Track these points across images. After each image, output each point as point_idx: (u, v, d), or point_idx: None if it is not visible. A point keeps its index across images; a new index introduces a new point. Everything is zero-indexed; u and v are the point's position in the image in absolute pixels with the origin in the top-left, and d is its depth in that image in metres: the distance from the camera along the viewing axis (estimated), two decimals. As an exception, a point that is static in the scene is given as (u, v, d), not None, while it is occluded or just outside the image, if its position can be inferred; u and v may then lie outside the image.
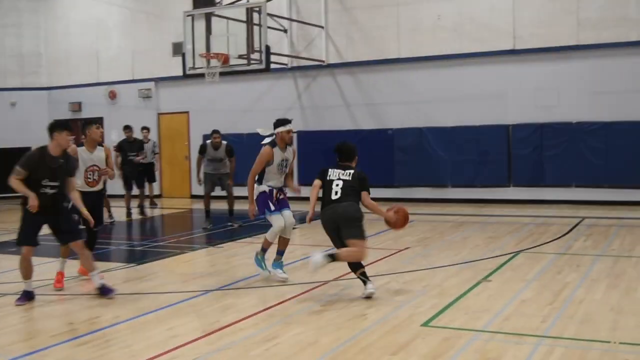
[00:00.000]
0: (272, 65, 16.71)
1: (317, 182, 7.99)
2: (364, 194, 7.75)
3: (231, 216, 13.99)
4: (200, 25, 16.57)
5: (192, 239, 13.05)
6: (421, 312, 6.93)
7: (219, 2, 19.50)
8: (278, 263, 8.83)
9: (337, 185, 7.76)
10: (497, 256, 9.87)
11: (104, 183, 9.49)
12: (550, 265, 9.09)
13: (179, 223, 16.33)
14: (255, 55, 16.35)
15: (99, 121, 21.50)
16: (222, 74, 16.27)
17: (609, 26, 15.53)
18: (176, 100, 20.93)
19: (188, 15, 16.68)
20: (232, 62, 16.25)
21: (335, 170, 7.93)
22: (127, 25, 21.64)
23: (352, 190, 7.72)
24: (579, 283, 8.00)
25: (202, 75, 16.36)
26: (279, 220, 8.58)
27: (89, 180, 8.97)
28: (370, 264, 9.46)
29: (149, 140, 18.49)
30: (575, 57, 15.94)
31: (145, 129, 18.54)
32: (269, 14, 16.49)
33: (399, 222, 8.00)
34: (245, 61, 16.41)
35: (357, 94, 18.29)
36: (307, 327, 6.56)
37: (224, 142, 13.98)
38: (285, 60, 18.68)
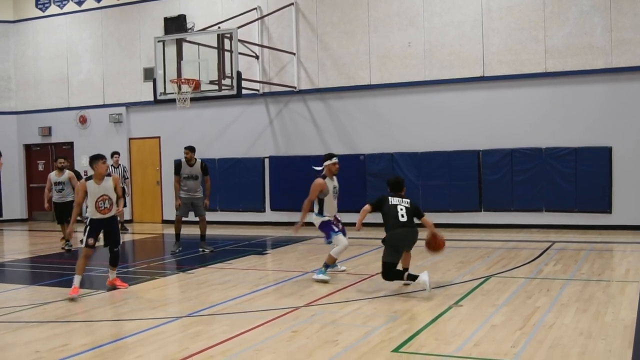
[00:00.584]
0: (244, 91, 16.71)
1: (368, 207, 9.50)
2: (424, 218, 9.44)
3: (203, 241, 13.90)
4: (172, 50, 16.53)
5: (163, 264, 12.92)
6: (392, 338, 6.91)
7: (190, 28, 19.54)
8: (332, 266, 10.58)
9: (401, 209, 9.28)
10: (467, 281, 9.89)
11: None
12: (521, 290, 9.13)
13: (150, 248, 16.18)
14: (227, 81, 16.34)
15: (69, 145, 21.68)
16: (193, 99, 16.24)
17: (575, 54, 15.79)
18: (147, 125, 20.85)
19: (159, 41, 16.65)
20: (204, 87, 16.21)
21: (394, 197, 9.44)
22: (97, 50, 21.57)
23: (413, 215, 9.35)
24: (549, 307, 8.04)
25: (173, 101, 16.30)
26: (343, 240, 10.24)
27: (101, 208, 9.78)
28: (342, 289, 9.48)
29: (119, 165, 18.41)
30: (543, 84, 16.17)
31: (116, 153, 18.46)
32: (240, 40, 16.53)
33: (437, 245, 9.47)
34: (216, 87, 16.38)
35: (329, 120, 18.35)
36: (277, 354, 6.51)
37: (199, 160, 13.88)
38: (256, 86, 18.71)
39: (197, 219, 13.95)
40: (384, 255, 9.21)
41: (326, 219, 10.36)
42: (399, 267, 9.41)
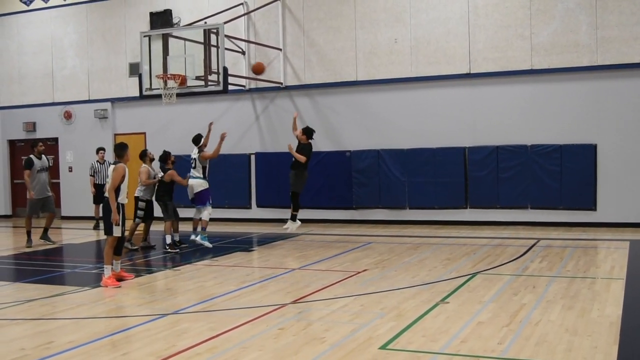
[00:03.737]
0: (230, 87, 16.64)
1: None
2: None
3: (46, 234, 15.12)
4: (157, 45, 16.43)
5: (149, 261, 12.86)
6: (379, 335, 6.92)
7: (176, 24, 19.44)
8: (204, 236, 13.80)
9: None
10: (454, 278, 9.92)
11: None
12: (507, 287, 9.17)
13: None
14: (213, 77, 16.26)
15: (54, 141, 21.53)
16: (179, 95, 16.15)
17: (561, 51, 15.84)
18: (133, 120, 20.74)
19: (145, 36, 16.56)
20: (190, 83, 16.12)
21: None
22: (83, 45, 21.43)
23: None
24: (534, 304, 8.08)
25: (159, 96, 16.20)
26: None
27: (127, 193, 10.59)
28: (328, 286, 9.48)
29: (105, 161, 18.31)
30: (529, 81, 16.21)
31: (102, 149, 18.37)
32: (226, 36, 16.45)
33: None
34: (202, 82, 16.30)
35: (315, 116, 18.32)
36: (264, 352, 6.50)
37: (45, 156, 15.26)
38: (243, 81, 18.65)
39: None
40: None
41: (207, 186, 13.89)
42: None
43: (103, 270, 10.25)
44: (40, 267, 12.29)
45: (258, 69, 14.88)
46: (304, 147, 14.66)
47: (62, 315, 8.28)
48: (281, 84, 18.51)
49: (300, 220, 15.01)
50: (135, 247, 13.88)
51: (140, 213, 13.82)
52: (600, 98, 15.61)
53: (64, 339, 7.09)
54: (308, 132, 14.77)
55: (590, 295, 8.59)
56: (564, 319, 7.38)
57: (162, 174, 13.81)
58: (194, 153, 14.03)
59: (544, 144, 15.98)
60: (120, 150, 10.50)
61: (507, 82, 16.42)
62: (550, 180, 15.92)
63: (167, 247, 13.42)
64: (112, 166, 10.42)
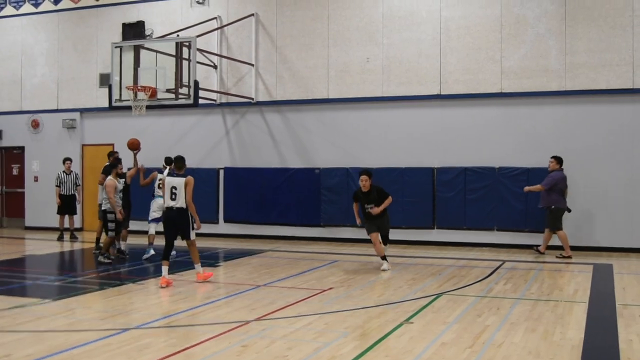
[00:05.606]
0: (201, 101, 16.58)
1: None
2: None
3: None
4: (129, 57, 16.32)
5: (112, 274, 12.69)
6: (343, 354, 6.88)
7: (149, 35, 19.36)
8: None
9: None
10: (419, 298, 9.93)
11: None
12: (471, 308, 9.20)
13: (99, 257, 15.87)
14: (184, 90, 16.20)
15: (20, 150, 21.25)
16: (149, 107, 16.04)
17: (530, 76, 16.05)
18: (101, 131, 20.55)
19: (116, 47, 16.45)
20: (160, 95, 16.04)
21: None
22: (53, 54, 21.23)
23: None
24: (498, 326, 8.11)
25: (128, 108, 16.08)
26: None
27: None
28: (293, 304, 9.43)
29: (72, 171, 18.13)
30: (498, 104, 16.38)
31: (68, 159, 18.18)
32: (199, 49, 16.42)
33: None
34: (173, 95, 16.24)
35: (285, 133, 18.32)
36: (226, 369, 6.44)
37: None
38: (214, 96, 18.60)
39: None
40: None
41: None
42: None
43: (195, 268, 11.50)
44: (1, 279, 12.07)
45: (132, 145, 14.91)
46: (378, 191, 13.67)
47: (21, 327, 8.13)
48: (252, 99, 18.49)
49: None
50: (116, 257, 14.43)
51: (111, 225, 13.63)
52: (568, 122, 15.82)
53: (22, 352, 6.96)
54: (369, 173, 13.66)
55: (553, 318, 8.65)
56: (527, 341, 7.41)
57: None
58: (165, 174, 13.80)
59: (511, 166, 16.14)
60: (183, 163, 11.52)
61: (476, 105, 16.58)
62: (516, 202, 16.05)
63: (126, 255, 14.55)
64: (181, 178, 11.18)
